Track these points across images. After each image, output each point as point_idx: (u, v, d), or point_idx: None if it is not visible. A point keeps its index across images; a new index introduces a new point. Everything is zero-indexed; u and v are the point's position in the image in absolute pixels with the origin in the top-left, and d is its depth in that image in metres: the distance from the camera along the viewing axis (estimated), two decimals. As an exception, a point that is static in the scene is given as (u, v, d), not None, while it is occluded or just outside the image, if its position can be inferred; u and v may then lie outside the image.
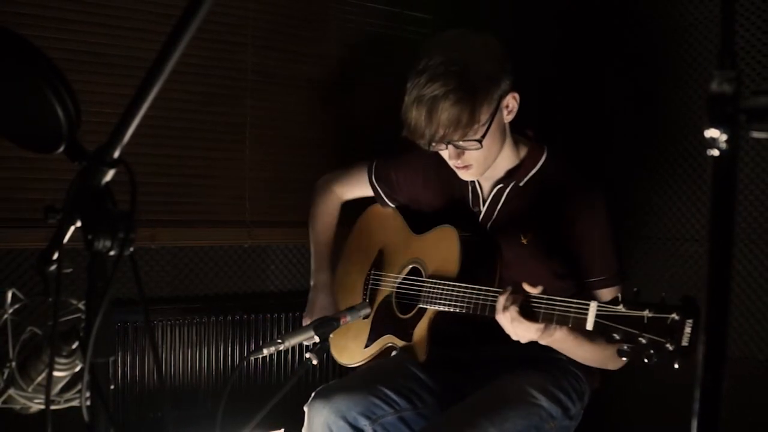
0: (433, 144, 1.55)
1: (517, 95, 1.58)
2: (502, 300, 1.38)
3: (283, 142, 2.26)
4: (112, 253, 0.83)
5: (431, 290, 1.62)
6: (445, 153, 1.60)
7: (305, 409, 1.63)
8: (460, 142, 1.53)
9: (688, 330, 1.12)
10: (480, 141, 1.53)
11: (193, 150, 2.13)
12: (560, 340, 1.39)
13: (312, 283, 1.92)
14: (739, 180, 1.76)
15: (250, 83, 2.19)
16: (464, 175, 1.65)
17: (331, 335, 1.93)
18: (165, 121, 2.04)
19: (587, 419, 1.67)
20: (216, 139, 2.15)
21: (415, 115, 1.52)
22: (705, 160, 0.62)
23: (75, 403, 1.12)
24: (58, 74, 0.83)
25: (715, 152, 0.61)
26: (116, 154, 0.82)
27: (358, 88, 2.35)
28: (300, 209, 2.29)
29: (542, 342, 1.39)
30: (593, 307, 1.25)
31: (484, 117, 1.52)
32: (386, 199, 1.91)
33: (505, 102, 1.56)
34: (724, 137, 0.61)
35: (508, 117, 1.59)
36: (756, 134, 0.62)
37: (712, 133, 0.61)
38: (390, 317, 1.77)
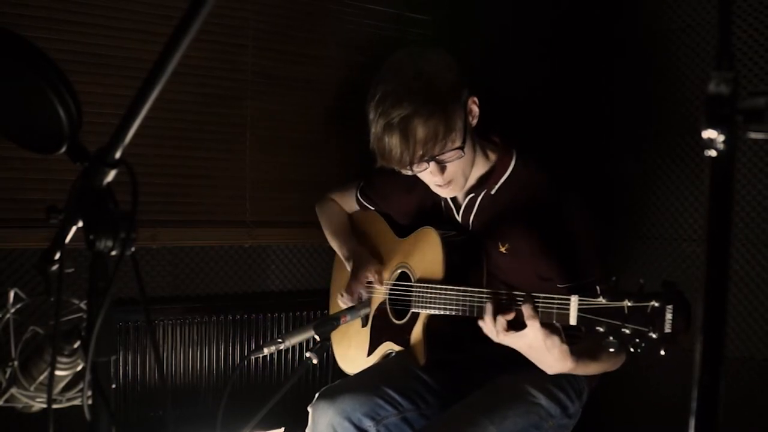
0: (414, 165, 1.52)
1: (476, 99, 1.56)
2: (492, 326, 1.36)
3: (283, 142, 2.27)
4: (113, 253, 0.84)
5: (421, 294, 1.62)
6: (425, 174, 1.57)
7: (309, 409, 1.63)
8: (442, 156, 1.51)
9: (669, 316, 1.10)
10: (462, 148, 1.51)
11: (194, 150, 2.13)
12: (572, 368, 1.37)
13: (345, 256, 1.89)
14: (736, 180, 1.76)
15: (251, 84, 2.19)
16: (447, 192, 1.63)
17: (333, 345, 1.94)
18: (166, 122, 2.05)
19: (586, 417, 1.68)
20: (216, 140, 2.16)
21: (389, 142, 1.48)
22: (703, 160, 0.62)
23: (77, 402, 1.13)
24: (60, 75, 0.84)
25: (713, 153, 0.62)
26: (117, 155, 0.82)
27: (357, 89, 2.35)
28: (300, 209, 2.30)
29: (559, 365, 1.35)
30: (574, 301, 1.24)
31: (458, 124, 1.50)
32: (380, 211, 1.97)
33: (468, 107, 1.55)
34: (721, 138, 0.61)
35: (473, 122, 1.57)
36: (753, 135, 0.62)
37: (709, 133, 0.61)
38: (387, 324, 1.77)
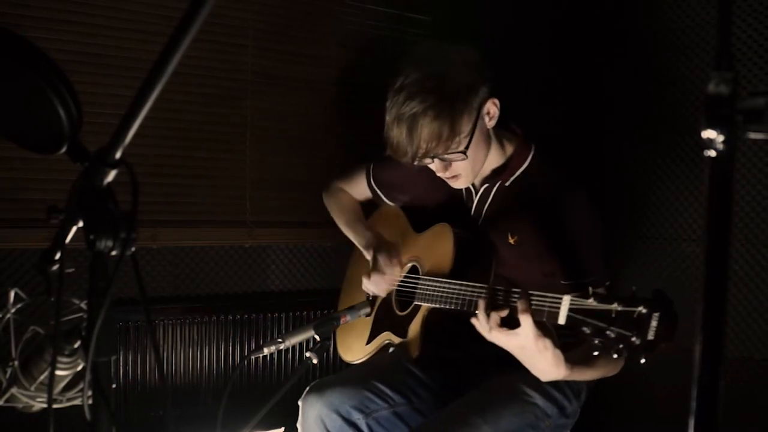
0: (418, 160, 1.54)
1: (497, 101, 1.57)
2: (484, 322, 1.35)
3: (283, 142, 2.27)
4: (113, 253, 0.84)
5: (426, 287, 1.63)
6: (432, 166, 1.60)
7: (299, 403, 1.64)
8: (445, 155, 1.53)
9: (654, 323, 1.10)
10: (464, 152, 1.53)
11: (194, 150, 2.13)
12: (569, 372, 1.37)
13: (364, 245, 1.84)
14: (735, 180, 1.76)
15: (251, 84, 2.19)
16: (455, 184, 1.65)
17: (336, 332, 1.94)
18: (166, 122, 2.05)
19: (585, 417, 1.68)
20: (217, 140, 2.16)
21: (396, 134, 1.52)
22: (703, 160, 0.63)
23: (77, 402, 1.13)
24: (61, 76, 0.84)
25: (712, 153, 0.62)
26: (118, 155, 0.83)
27: (357, 89, 2.35)
28: (300, 209, 2.30)
29: (558, 370, 1.35)
30: (566, 301, 1.25)
31: (465, 128, 1.52)
32: (386, 200, 1.94)
33: (485, 109, 1.56)
34: (721, 138, 0.61)
35: (490, 123, 1.59)
36: (752, 135, 0.62)
37: (709, 133, 0.61)
38: (389, 315, 1.78)
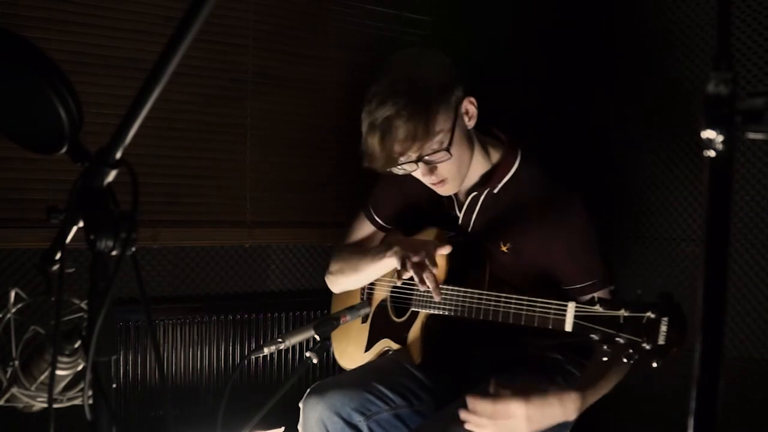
0: (399, 164, 1.51)
1: (474, 100, 1.55)
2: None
3: (283, 143, 2.27)
4: (114, 253, 0.84)
5: (421, 293, 1.62)
6: (418, 173, 1.57)
7: (300, 405, 1.64)
8: (428, 157, 1.50)
9: (663, 328, 1.10)
10: (448, 150, 1.50)
11: (195, 151, 2.14)
12: (581, 399, 1.37)
13: (384, 251, 1.64)
14: (735, 180, 1.76)
15: (251, 85, 2.19)
16: (442, 191, 1.62)
17: (333, 340, 1.93)
18: (166, 123, 2.05)
19: (585, 416, 1.68)
20: (217, 140, 2.16)
21: (371, 142, 1.49)
22: (702, 160, 0.63)
23: (77, 402, 1.13)
24: (61, 76, 0.84)
25: (712, 153, 0.62)
26: (118, 155, 0.83)
27: (357, 90, 2.35)
28: (300, 209, 2.30)
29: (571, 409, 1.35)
30: (571, 308, 1.25)
31: (443, 126, 1.49)
32: (390, 227, 1.88)
33: (463, 108, 1.54)
34: (720, 138, 0.61)
35: (470, 123, 1.56)
36: (752, 135, 0.62)
37: (708, 134, 0.61)
38: (386, 321, 1.77)
